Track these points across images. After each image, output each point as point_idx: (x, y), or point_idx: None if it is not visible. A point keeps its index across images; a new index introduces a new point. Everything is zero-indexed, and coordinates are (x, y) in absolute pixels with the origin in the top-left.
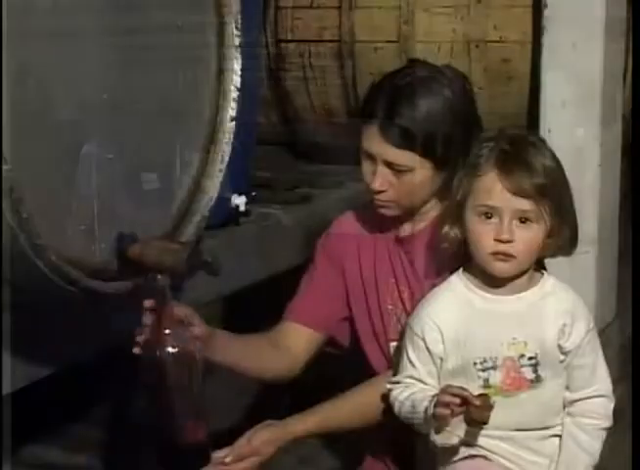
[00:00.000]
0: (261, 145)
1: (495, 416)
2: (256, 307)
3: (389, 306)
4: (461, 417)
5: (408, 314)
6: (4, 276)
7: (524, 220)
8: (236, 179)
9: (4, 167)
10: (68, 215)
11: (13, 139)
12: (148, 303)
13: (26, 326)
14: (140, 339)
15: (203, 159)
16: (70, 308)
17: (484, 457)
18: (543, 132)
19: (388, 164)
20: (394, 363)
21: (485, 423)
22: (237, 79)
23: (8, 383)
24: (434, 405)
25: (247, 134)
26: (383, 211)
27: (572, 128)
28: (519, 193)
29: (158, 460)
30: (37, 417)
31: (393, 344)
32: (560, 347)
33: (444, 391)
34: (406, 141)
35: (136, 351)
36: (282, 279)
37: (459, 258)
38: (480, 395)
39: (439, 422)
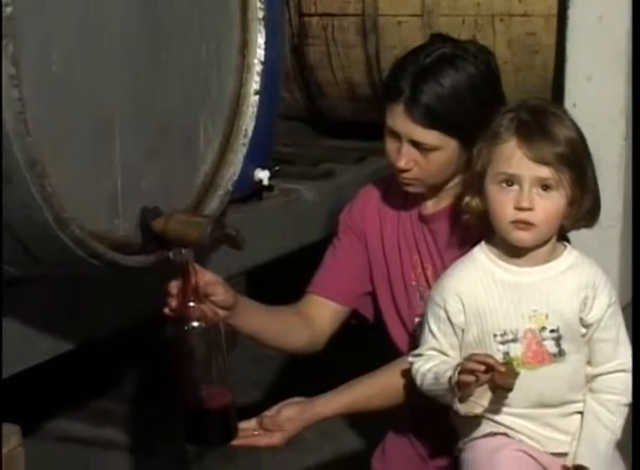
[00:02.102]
0: (284, 120)
1: (516, 392)
2: (280, 282)
3: (413, 283)
4: (485, 387)
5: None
6: None
7: (544, 188)
8: (259, 154)
9: (28, 140)
10: (92, 189)
11: (36, 112)
12: (174, 284)
13: (51, 299)
14: (166, 311)
15: (226, 132)
16: (94, 281)
17: (505, 435)
18: (568, 107)
19: (414, 143)
20: (418, 339)
21: (510, 390)
22: (261, 53)
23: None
24: (459, 373)
25: (270, 109)
26: (407, 188)
27: (598, 103)
28: (539, 160)
29: (184, 430)
30: (62, 391)
31: (417, 320)
32: (581, 320)
33: (469, 358)
34: (432, 120)
35: (166, 311)
36: (305, 254)
37: (482, 234)
38: (505, 362)
39: (463, 390)
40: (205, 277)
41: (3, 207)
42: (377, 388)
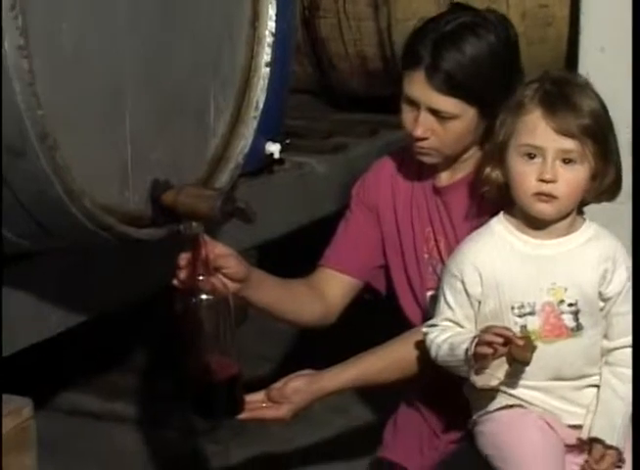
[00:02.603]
0: (295, 93)
1: (532, 365)
2: (291, 256)
3: (425, 256)
4: (502, 359)
5: (444, 264)
6: None
7: (567, 161)
8: (270, 127)
9: (39, 112)
10: (103, 162)
11: (46, 84)
12: (184, 256)
13: (61, 273)
14: (175, 283)
15: (237, 105)
16: (104, 255)
17: (521, 407)
18: None
19: (432, 111)
20: (430, 312)
21: (527, 364)
22: (272, 25)
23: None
24: (476, 345)
25: (281, 81)
26: (423, 158)
27: (611, 74)
28: (563, 132)
29: (191, 402)
30: (72, 364)
31: (429, 293)
32: (600, 293)
33: (486, 330)
34: (452, 87)
35: (175, 283)
36: (316, 228)
37: (498, 206)
38: (523, 336)
39: (480, 362)
40: (217, 249)
41: (14, 180)
42: (387, 360)
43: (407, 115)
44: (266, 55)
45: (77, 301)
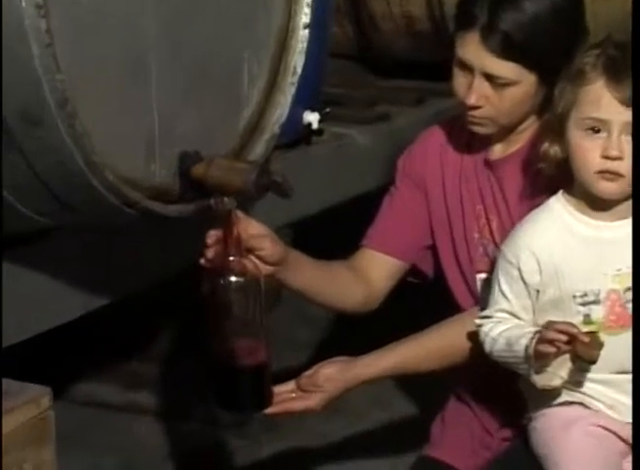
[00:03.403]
0: (335, 58)
1: None
2: (330, 235)
3: (476, 235)
4: (565, 357)
5: (496, 246)
6: None
7: None
8: (308, 95)
9: (58, 77)
10: (127, 132)
11: (66, 46)
12: (213, 233)
13: (81, 252)
14: (202, 262)
15: (273, 70)
16: (127, 233)
17: (582, 404)
18: None
19: (488, 77)
20: (482, 297)
21: (594, 362)
22: None
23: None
24: (537, 342)
25: (319, 45)
26: (475, 128)
27: None
28: (630, 103)
29: (214, 392)
30: (90, 351)
31: (480, 276)
32: None
33: (549, 327)
34: (510, 50)
35: (202, 262)
36: (357, 204)
37: (557, 182)
38: (589, 332)
39: (541, 361)
40: (252, 229)
41: (31, 151)
42: (429, 348)
43: (459, 80)
44: (304, 15)
45: (98, 282)
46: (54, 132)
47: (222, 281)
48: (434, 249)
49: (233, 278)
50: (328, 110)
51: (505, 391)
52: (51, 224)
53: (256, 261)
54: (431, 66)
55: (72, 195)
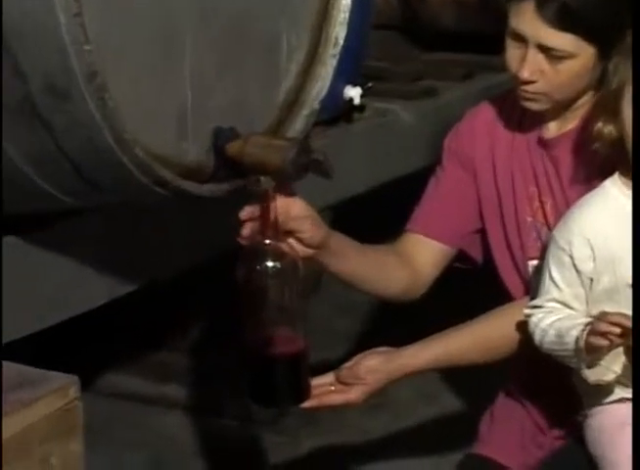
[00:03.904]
0: (378, 29)
1: None
2: (372, 218)
3: (529, 219)
4: (618, 350)
5: (551, 229)
6: None
7: None
8: (349, 68)
9: (86, 47)
10: (158, 107)
11: (94, 15)
12: (248, 209)
13: (107, 235)
14: (240, 241)
15: (313, 41)
16: (157, 214)
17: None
18: None
19: (543, 49)
20: (533, 285)
21: None
22: None
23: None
24: (588, 334)
25: (362, 15)
26: (528, 104)
27: None
28: None
29: (247, 384)
30: (117, 341)
31: (532, 262)
32: None
33: (601, 318)
34: (568, 20)
35: (240, 240)
36: (401, 185)
37: (613, 163)
38: None
39: (593, 354)
40: (293, 209)
41: (57, 126)
42: (476, 339)
43: (512, 53)
44: None
45: (124, 267)
46: (82, 106)
47: (258, 266)
48: (483, 233)
49: (269, 263)
50: (370, 84)
51: (558, 386)
52: (76, 205)
53: (295, 245)
54: (480, 37)
55: (100, 173)
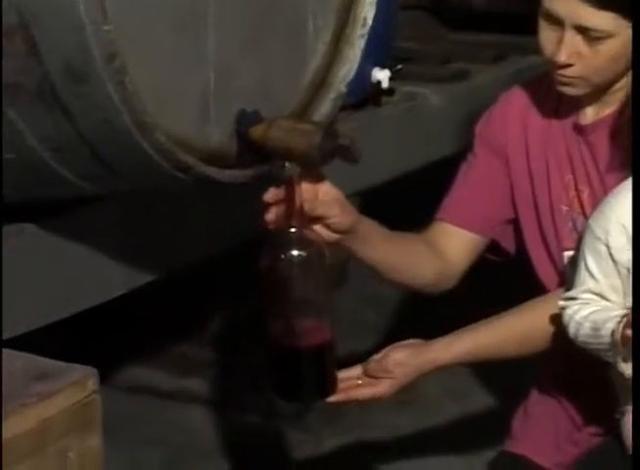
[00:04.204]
0: (406, 10)
1: None
2: (401, 206)
3: (564, 208)
4: None
5: (588, 219)
6: None
7: None
8: (377, 50)
9: (105, 28)
10: (180, 89)
11: None
12: (272, 195)
13: (126, 222)
14: (265, 226)
15: (341, 21)
16: (177, 201)
17: None
18: None
19: (580, 30)
20: (568, 277)
21: None
22: None
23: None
24: (624, 326)
25: None
26: (565, 89)
27: None
28: None
29: (271, 377)
30: (136, 334)
31: (568, 253)
32: None
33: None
34: None
35: (266, 224)
36: (431, 171)
37: None
38: None
39: (629, 347)
40: (320, 193)
41: (74, 110)
42: (510, 331)
43: (547, 35)
44: None
45: (143, 256)
46: (100, 89)
47: (283, 255)
48: (516, 223)
49: (295, 252)
50: (399, 67)
51: (594, 380)
52: (94, 191)
53: (323, 231)
54: (511, 17)
55: (120, 158)
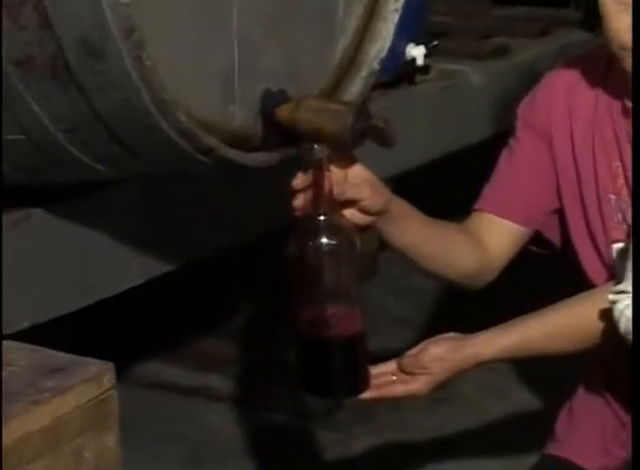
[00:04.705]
0: None
1: None
2: (436, 194)
3: (612, 197)
4: None
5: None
6: None
7: None
8: (412, 25)
9: (122, 1)
10: (202, 67)
11: None
12: (300, 180)
13: (144, 207)
14: (293, 214)
15: None
16: (198, 185)
17: None
18: None
19: None
20: (618, 270)
21: None
22: None
23: None
24: None
25: None
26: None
27: None
28: None
29: (299, 371)
30: (154, 327)
31: (617, 246)
32: None
33: None
34: None
35: (294, 211)
36: (470, 156)
37: None
38: None
39: None
40: (350, 175)
41: (90, 88)
42: (557, 325)
43: (619, 19)
44: None
45: (163, 244)
46: (118, 66)
47: (311, 243)
48: (561, 213)
49: (324, 239)
50: (435, 43)
51: None
52: (109, 175)
53: (354, 214)
54: None
55: (138, 139)
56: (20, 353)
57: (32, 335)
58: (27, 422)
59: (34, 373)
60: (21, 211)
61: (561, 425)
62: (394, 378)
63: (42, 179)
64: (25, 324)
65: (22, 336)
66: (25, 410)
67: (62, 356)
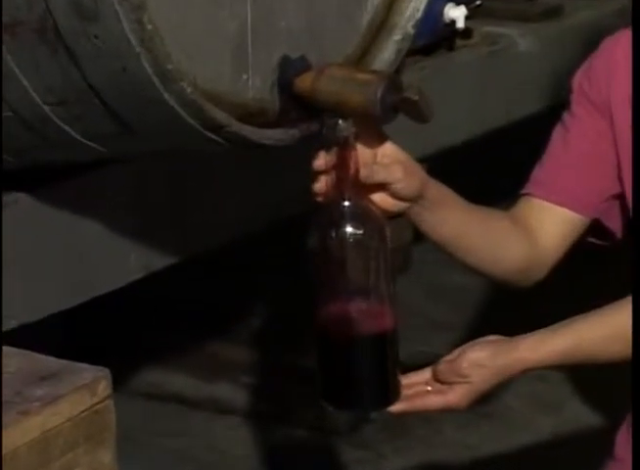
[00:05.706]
0: None
1: None
2: (478, 175)
3: None
4: None
5: None
6: None
7: None
8: None
9: None
10: (210, 30)
11: None
12: (322, 160)
13: (143, 192)
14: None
15: None
16: (206, 167)
17: None
18: None
19: None
20: None
21: None
22: None
23: None
24: None
25: None
26: None
27: None
28: None
29: (320, 379)
30: (158, 331)
31: None
32: None
33: None
34: None
35: (316, 197)
36: (518, 132)
37: None
38: None
39: None
40: (380, 154)
41: (83, 54)
42: (617, 326)
43: None
44: None
45: (165, 234)
46: (114, 30)
47: (334, 233)
48: (622, 200)
49: (349, 229)
50: (478, 2)
51: None
52: (104, 154)
53: (385, 200)
54: None
55: (137, 113)
56: (8, 358)
57: (17, 337)
58: (14, 436)
59: (23, 380)
60: (6, 195)
61: (620, 441)
62: (429, 388)
63: (31, 160)
64: (13, 323)
65: (8, 337)
66: (14, 421)
67: (52, 362)
